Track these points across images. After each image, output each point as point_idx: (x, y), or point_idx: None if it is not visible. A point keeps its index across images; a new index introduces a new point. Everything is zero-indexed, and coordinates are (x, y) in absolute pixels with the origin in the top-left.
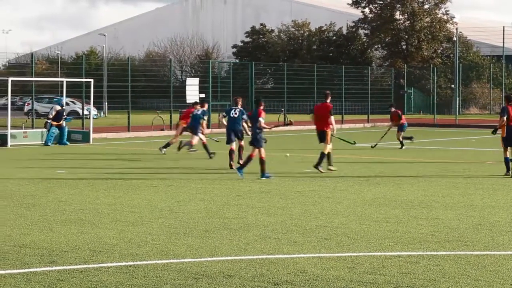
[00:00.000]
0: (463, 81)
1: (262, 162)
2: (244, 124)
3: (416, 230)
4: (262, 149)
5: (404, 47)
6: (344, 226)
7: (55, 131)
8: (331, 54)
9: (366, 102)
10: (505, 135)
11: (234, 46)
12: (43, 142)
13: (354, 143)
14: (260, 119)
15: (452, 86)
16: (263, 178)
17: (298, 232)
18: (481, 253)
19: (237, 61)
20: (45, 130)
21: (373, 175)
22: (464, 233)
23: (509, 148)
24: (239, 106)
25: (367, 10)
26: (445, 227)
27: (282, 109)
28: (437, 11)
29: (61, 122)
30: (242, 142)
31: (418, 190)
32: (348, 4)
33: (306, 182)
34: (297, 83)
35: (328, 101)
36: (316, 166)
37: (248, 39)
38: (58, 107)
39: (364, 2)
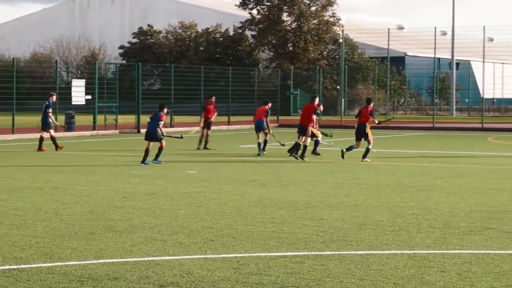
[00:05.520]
0: (348, 82)
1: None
2: (51, 115)
3: (301, 231)
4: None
5: (291, 48)
6: (230, 227)
7: None
8: (218, 56)
9: (253, 103)
10: (356, 131)
11: (121, 47)
12: None
13: (331, 135)
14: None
15: (338, 87)
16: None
17: (183, 234)
18: (365, 253)
19: (124, 62)
20: None
21: (260, 176)
22: (348, 233)
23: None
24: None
25: (254, 11)
26: (329, 227)
27: (169, 111)
28: (324, 13)
29: None
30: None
31: (303, 191)
32: (235, 5)
33: (193, 183)
34: (184, 84)
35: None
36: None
37: (135, 40)
38: None
39: (252, 4)
